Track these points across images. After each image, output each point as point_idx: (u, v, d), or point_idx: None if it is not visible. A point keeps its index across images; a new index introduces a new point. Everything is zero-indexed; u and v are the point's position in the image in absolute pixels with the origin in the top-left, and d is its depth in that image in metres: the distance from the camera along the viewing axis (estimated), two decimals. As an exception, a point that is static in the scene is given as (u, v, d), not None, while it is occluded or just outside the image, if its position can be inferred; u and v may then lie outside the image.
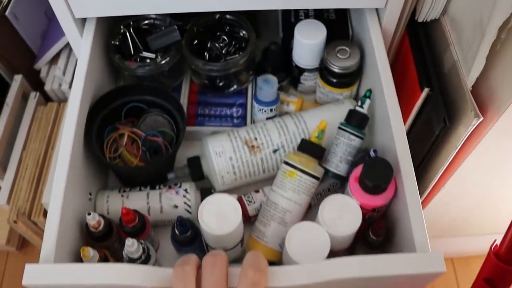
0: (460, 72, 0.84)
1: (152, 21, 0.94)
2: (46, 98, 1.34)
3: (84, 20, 0.87)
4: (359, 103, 0.82)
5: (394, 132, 0.74)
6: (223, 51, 0.92)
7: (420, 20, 0.92)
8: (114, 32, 0.92)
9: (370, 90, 0.82)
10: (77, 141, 0.76)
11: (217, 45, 0.92)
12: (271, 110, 0.90)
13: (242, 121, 0.94)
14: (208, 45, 0.92)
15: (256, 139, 0.83)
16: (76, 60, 1.15)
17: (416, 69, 0.90)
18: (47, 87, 1.28)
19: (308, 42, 0.88)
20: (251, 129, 0.85)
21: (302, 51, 0.91)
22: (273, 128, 0.85)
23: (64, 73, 1.26)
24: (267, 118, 0.91)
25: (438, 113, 0.85)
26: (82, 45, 0.85)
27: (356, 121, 0.81)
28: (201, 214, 0.70)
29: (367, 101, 0.81)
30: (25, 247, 1.54)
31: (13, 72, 1.27)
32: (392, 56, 0.99)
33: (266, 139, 0.83)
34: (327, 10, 0.98)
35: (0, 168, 1.22)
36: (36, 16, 1.28)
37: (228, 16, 0.93)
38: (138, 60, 0.92)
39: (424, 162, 0.96)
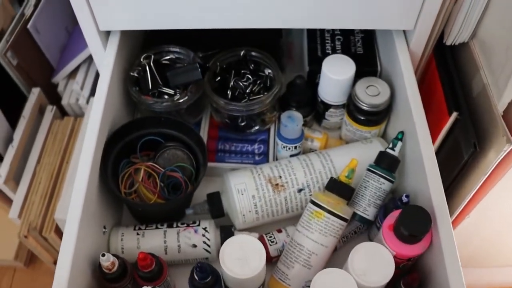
0: (490, 96, 0.81)
1: (174, 55, 0.91)
2: (62, 112, 1.31)
3: (108, 33, 0.85)
4: (390, 145, 0.78)
5: (428, 178, 0.70)
6: (247, 90, 0.88)
7: (448, 43, 0.89)
8: (133, 64, 0.89)
9: (402, 133, 0.78)
10: (93, 175, 0.73)
11: (240, 83, 0.88)
12: (295, 147, 0.86)
13: (264, 158, 0.90)
14: (232, 83, 0.89)
15: (280, 177, 0.79)
16: (95, 75, 1.14)
17: (443, 93, 0.87)
18: (64, 101, 1.26)
19: (336, 77, 0.85)
20: (275, 166, 0.81)
21: (329, 87, 0.88)
22: (299, 166, 0.81)
23: (82, 88, 1.23)
24: (291, 156, 0.87)
25: (467, 138, 0.81)
26: (105, 57, 0.84)
27: (387, 164, 0.77)
28: (223, 257, 0.66)
29: (399, 144, 0.78)
30: (33, 263, 1.50)
31: (31, 85, 1.24)
32: (418, 78, 0.96)
33: (291, 177, 0.80)
34: (354, 44, 0.95)
35: (13, 181, 1.18)
36: (57, 30, 1.27)
37: (253, 53, 0.90)
38: (156, 95, 0.88)
39: (450, 188, 0.92)
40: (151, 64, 0.88)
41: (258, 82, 0.89)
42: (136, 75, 0.88)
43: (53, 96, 1.31)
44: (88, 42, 0.84)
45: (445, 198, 0.69)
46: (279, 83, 0.87)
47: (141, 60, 0.89)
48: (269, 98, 0.85)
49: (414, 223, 0.66)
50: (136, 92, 0.86)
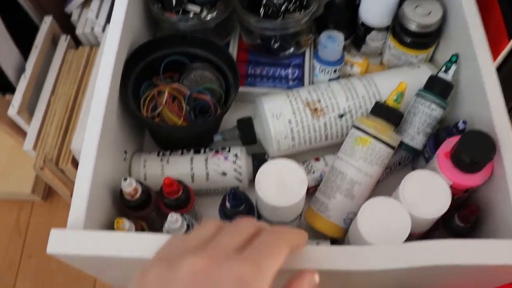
0: None
1: None
2: (77, 42, 1.23)
3: None
4: (443, 69, 0.70)
5: (490, 100, 0.62)
6: (282, 8, 0.79)
7: None
8: None
9: (456, 55, 0.70)
10: (112, 96, 0.65)
11: (275, 0, 0.79)
12: (334, 71, 0.78)
13: (299, 83, 0.82)
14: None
15: (319, 101, 0.72)
16: (111, 2, 1.05)
17: (502, 13, 0.78)
18: (78, 31, 1.18)
19: (382, -5, 0.76)
20: (314, 90, 0.73)
21: (373, 6, 0.79)
22: (339, 90, 0.73)
23: (97, 16, 1.15)
24: (329, 80, 0.79)
25: None
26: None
27: (439, 89, 0.69)
28: (259, 181, 0.59)
29: (453, 67, 0.70)
30: (51, 197, 1.48)
31: (43, 13, 1.16)
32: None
33: (331, 101, 0.72)
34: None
35: (26, 112, 1.12)
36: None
37: None
38: (181, 12, 0.79)
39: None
40: None
41: None
42: None
43: (66, 25, 1.23)
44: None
45: (509, 122, 0.61)
46: (316, 1, 0.78)
47: None
48: (306, 17, 0.77)
49: (476, 149, 0.59)
50: (159, 9, 0.78)
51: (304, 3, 0.80)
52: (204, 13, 0.78)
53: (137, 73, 0.74)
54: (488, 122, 0.62)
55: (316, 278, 0.42)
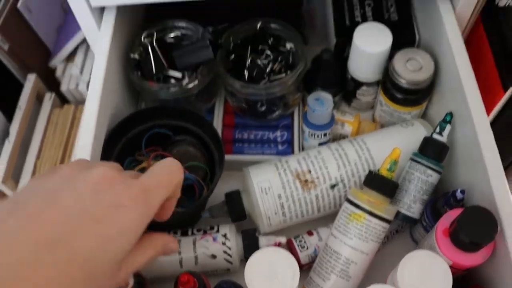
0: None
1: (180, 32, 0.79)
2: (62, 100, 1.20)
3: (102, 10, 0.74)
4: (437, 130, 0.66)
5: (489, 170, 0.59)
6: (267, 69, 0.76)
7: (502, 4, 0.76)
8: (134, 44, 0.77)
9: (451, 114, 0.67)
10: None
11: (259, 62, 0.76)
12: (325, 134, 0.75)
13: (288, 147, 0.79)
14: (248, 62, 0.76)
15: (310, 171, 0.68)
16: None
17: (496, 64, 0.75)
18: (63, 88, 1.15)
19: (370, 50, 0.73)
20: (303, 158, 0.70)
21: (362, 61, 0.76)
22: (330, 157, 0.69)
23: (81, 72, 1.12)
24: (320, 144, 0.76)
25: None
26: (100, 38, 0.72)
27: (434, 152, 0.66)
28: (249, 276, 0.56)
29: (448, 128, 0.66)
30: None
31: (27, 71, 1.13)
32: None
33: (322, 171, 0.68)
34: (388, 9, 0.83)
35: (12, 180, 1.08)
36: (51, 8, 1.14)
37: (272, 25, 0.78)
38: (162, 79, 0.76)
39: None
40: (154, 43, 0.76)
41: (279, 59, 0.76)
42: (137, 57, 0.76)
43: (51, 82, 1.20)
44: (79, 21, 0.73)
45: (510, 194, 0.57)
46: (304, 60, 0.75)
47: (142, 39, 0.77)
48: (293, 78, 0.73)
49: (476, 227, 0.55)
50: (138, 78, 0.75)
51: (290, 62, 0.77)
52: (186, 80, 0.74)
53: (119, 149, 0.71)
54: (487, 190, 0.58)
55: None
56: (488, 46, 0.77)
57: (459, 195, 0.61)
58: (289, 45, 0.78)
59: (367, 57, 0.74)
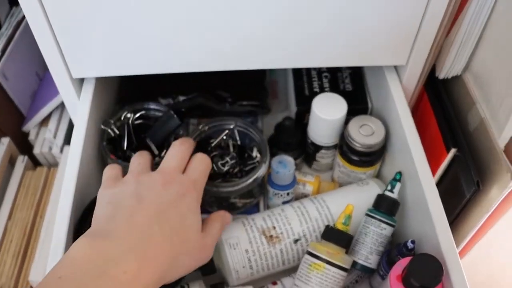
0: (490, 130, 0.76)
1: (148, 113, 0.84)
2: (35, 162, 1.23)
3: (81, 80, 0.80)
4: (389, 187, 0.73)
5: (434, 222, 0.65)
6: (224, 169, 0.78)
7: (441, 77, 0.85)
8: (106, 122, 0.81)
9: (400, 173, 0.74)
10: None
11: (220, 165, 0.78)
12: (287, 194, 0.81)
13: (255, 208, 0.85)
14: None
15: (274, 228, 0.74)
16: (69, 122, 1.07)
17: (439, 128, 0.83)
18: (36, 151, 1.18)
19: (328, 118, 0.80)
20: (268, 216, 0.76)
21: (321, 128, 0.83)
22: (293, 215, 0.75)
23: (55, 136, 1.17)
24: (283, 203, 0.82)
25: (469, 176, 0.76)
26: (80, 106, 0.78)
27: (387, 208, 0.72)
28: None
29: (398, 185, 0.73)
30: None
31: (0, 134, 1.17)
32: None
33: (286, 227, 0.74)
34: (343, 81, 0.91)
35: (-19, 238, 1.10)
36: (27, 75, 1.20)
37: (242, 126, 0.82)
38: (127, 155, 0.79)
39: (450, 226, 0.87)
40: (129, 123, 0.81)
41: (239, 163, 0.80)
42: (110, 132, 0.80)
43: (24, 145, 1.23)
44: (60, 90, 0.78)
45: (454, 243, 0.64)
46: (264, 166, 0.78)
47: (115, 119, 0.81)
48: (249, 180, 0.76)
49: (425, 273, 0.61)
50: (105, 150, 0.77)
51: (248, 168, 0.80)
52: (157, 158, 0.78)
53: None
54: (434, 241, 0.65)
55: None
56: (432, 113, 0.85)
57: (409, 245, 0.67)
58: (254, 152, 0.81)
59: (325, 123, 0.82)
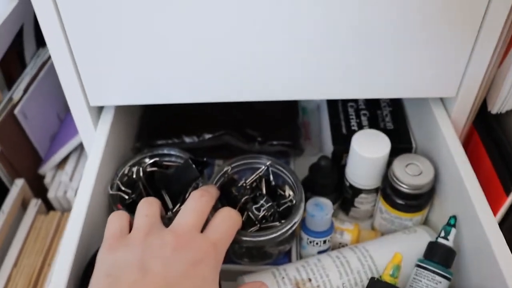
0: None
1: (164, 159, 0.76)
2: (48, 207, 1.16)
3: (100, 110, 0.74)
4: (442, 234, 0.63)
5: (503, 270, 0.55)
6: (260, 214, 0.67)
7: (494, 111, 0.76)
8: (119, 171, 0.73)
9: (454, 217, 0.64)
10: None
11: (254, 210, 0.67)
12: (324, 242, 0.71)
13: (285, 257, 0.75)
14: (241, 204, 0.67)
15: (310, 280, 0.64)
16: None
17: (495, 169, 0.74)
18: (50, 194, 1.11)
19: (369, 156, 0.71)
20: (303, 266, 0.66)
21: (361, 167, 0.74)
22: (331, 265, 0.65)
23: (71, 179, 1.10)
24: (319, 252, 0.72)
25: None
26: (96, 138, 0.71)
27: (441, 257, 0.62)
28: None
29: (453, 231, 0.63)
30: None
31: (15, 175, 1.11)
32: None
33: (324, 280, 0.64)
34: (383, 119, 0.83)
35: (-15, 287, 1.01)
36: (48, 116, 1.14)
37: (276, 166, 0.72)
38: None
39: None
40: (141, 174, 0.72)
41: (275, 206, 0.68)
42: (120, 185, 0.71)
43: (39, 188, 1.17)
44: (76, 120, 0.71)
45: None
46: (300, 209, 0.67)
47: (128, 168, 0.74)
48: (288, 227, 0.65)
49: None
50: (113, 197, 0.69)
51: (282, 203, 0.70)
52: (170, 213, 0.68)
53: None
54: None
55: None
56: (484, 152, 0.76)
57: (472, 301, 0.57)
58: (288, 192, 0.71)
59: (366, 162, 0.73)
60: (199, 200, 0.56)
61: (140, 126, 0.89)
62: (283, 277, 0.64)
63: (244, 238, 0.63)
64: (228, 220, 0.56)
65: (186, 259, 0.49)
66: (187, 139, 0.84)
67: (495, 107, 0.76)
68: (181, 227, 0.53)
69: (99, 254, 0.52)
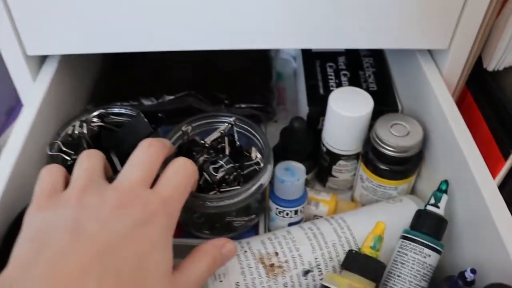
0: None
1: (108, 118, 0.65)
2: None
3: (41, 62, 0.64)
4: (432, 201, 0.54)
5: (506, 242, 0.46)
6: (218, 175, 0.57)
7: (490, 68, 0.67)
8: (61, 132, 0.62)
9: (446, 182, 0.55)
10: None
11: (212, 171, 0.57)
12: (295, 212, 0.62)
13: (251, 230, 0.65)
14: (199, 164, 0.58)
15: (277, 254, 0.54)
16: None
17: (491, 131, 0.65)
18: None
19: (348, 115, 0.62)
20: (269, 239, 0.56)
21: (339, 129, 0.65)
22: (303, 237, 0.56)
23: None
24: (289, 224, 0.63)
25: None
26: (33, 91, 0.61)
27: (430, 227, 0.53)
28: None
29: (444, 198, 0.54)
30: None
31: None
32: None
33: (293, 254, 0.55)
34: (365, 80, 0.74)
35: None
36: (2, 91, 1.05)
37: (241, 124, 0.62)
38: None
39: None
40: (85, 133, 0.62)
41: (237, 168, 0.59)
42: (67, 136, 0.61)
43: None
44: (11, 71, 0.62)
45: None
46: (266, 171, 0.57)
47: (72, 129, 0.62)
48: (249, 191, 0.56)
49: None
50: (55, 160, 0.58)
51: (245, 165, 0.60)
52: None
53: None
54: (508, 267, 0.45)
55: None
56: (479, 114, 0.68)
57: (469, 275, 0.47)
58: (254, 154, 0.61)
59: (345, 123, 0.63)
60: (146, 150, 0.46)
61: (95, 87, 0.79)
62: (245, 251, 0.55)
63: (200, 202, 0.53)
64: (183, 170, 0.47)
65: (130, 220, 0.40)
66: (146, 102, 0.74)
67: (492, 64, 0.67)
68: (125, 182, 0.44)
69: (26, 215, 0.42)
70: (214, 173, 0.56)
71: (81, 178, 0.44)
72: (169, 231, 0.43)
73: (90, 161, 0.46)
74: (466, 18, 0.59)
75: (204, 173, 0.56)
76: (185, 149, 0.61)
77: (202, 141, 0.60)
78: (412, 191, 0.67)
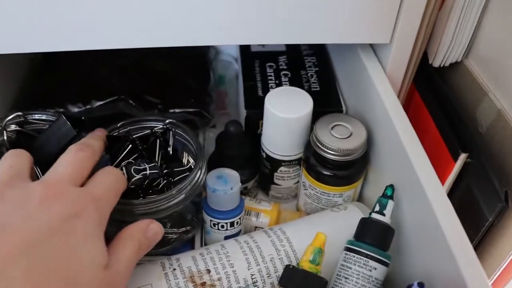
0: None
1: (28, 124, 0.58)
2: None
3: None
4: (377, 208, 0.50)
5: (454, 252, 0.41)
6: (137, 176, 0.52)
7: (436, 64, 0.64)
8: None
9: (392, 187, 0.51)
10: None
11: (132, 172, 0.52)
12: (231, 224, 0.56)
13: (187, 245, 0.59)
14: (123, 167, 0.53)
15: (209, 271, 0.49)
16: None
17: (439, 131, 0.61)
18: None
19: (286, 116, 0.57)
20: (201, 255, 0.51)
21: (278, 133, 0.60)
22: (238, 252, 0.51)
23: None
24: (226, 238, 0.57)
25: (489, 189, 0.54)
26: None
27: (375, 237, 0.49)
28: None
29: (390, 204, 0.50)
30: None
31: None
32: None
33: (226, 270, 0.49)
34: (308, 80, 0.69)
35: None
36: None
37: (171, 129, 0.58)
38: None
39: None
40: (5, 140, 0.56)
41: (162, 172, 0.54)
42: None
43: None
44: None
45: (487, 280, 0.40)
46: (194, 177, 0.53)
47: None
48: (180, 197, 0.51)
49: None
50: None
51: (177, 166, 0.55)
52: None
53: None
54: (456, 280, 0.41)
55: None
56: (427, 113, 0.64)
57: (415, 289, 0.43)
58: (186, 159, 0.58)
59: (283, 125, 0.58)
60: (76, 154, 0.46)
61: (19, 93, 0.72)
62: (174, 269, 0.49)
63: (128, 207, 0.48)
64: (115, 175, 0.47)
65: (57, 212, 0.39)
66: (72, 108, 0.68)
67: (437, 59, 0.64)
68: (52, 178, 0.43)
69: None
70: (135, 174, 0.51)
71: (6, 174, 0.42)
72: (100, 226, 0.42)
73: (15, 159, 0.45)
74: (406, 10, 0.55)
75: (124, 172, 0.51)
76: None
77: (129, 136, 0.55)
78: (360, 198, 0.63)
